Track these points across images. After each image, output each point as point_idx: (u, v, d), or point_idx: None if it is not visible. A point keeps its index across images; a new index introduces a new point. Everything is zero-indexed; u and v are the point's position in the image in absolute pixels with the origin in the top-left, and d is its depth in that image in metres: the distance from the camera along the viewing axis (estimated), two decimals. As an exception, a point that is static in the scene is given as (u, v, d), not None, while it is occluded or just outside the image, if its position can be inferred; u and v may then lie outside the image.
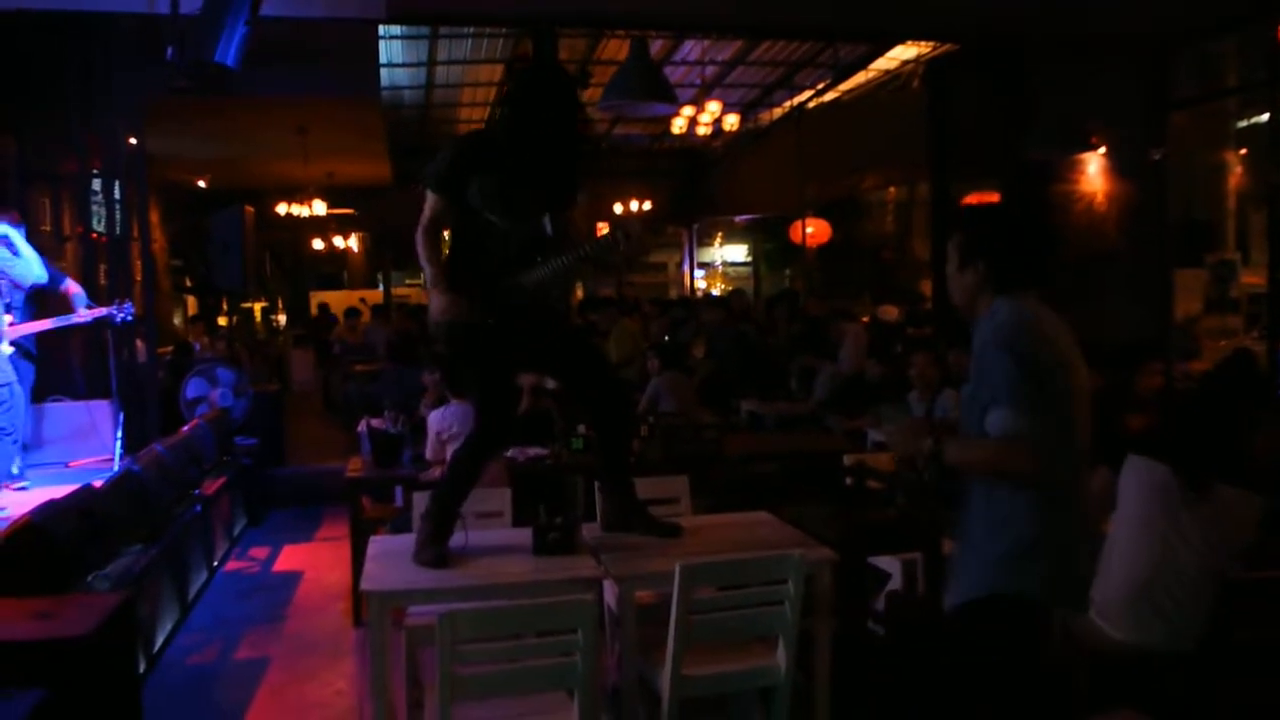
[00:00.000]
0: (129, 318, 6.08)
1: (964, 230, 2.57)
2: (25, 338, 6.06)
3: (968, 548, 2.51)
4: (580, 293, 18.52)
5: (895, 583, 4.17)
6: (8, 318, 5.90)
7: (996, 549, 2.40)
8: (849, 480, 3.94)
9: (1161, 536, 3.02)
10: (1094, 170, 7.93)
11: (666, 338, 8.72)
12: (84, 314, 6.07)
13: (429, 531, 3.28)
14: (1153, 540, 3.03)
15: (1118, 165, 7.71)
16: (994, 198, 9.81)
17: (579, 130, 3.37)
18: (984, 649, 2.40)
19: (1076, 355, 2.45)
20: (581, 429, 5.45)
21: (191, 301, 16.89)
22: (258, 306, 17.73)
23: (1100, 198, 7.93)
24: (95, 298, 6.55)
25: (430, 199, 3.25)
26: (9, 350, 5.86)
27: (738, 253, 20.63)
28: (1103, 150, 7.48)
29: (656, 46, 11.71)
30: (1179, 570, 2.98)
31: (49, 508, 4.16)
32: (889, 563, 4.20)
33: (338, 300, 16.99)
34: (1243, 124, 10.03)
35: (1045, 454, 2.31)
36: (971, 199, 10.18)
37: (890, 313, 11.09)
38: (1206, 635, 2.98)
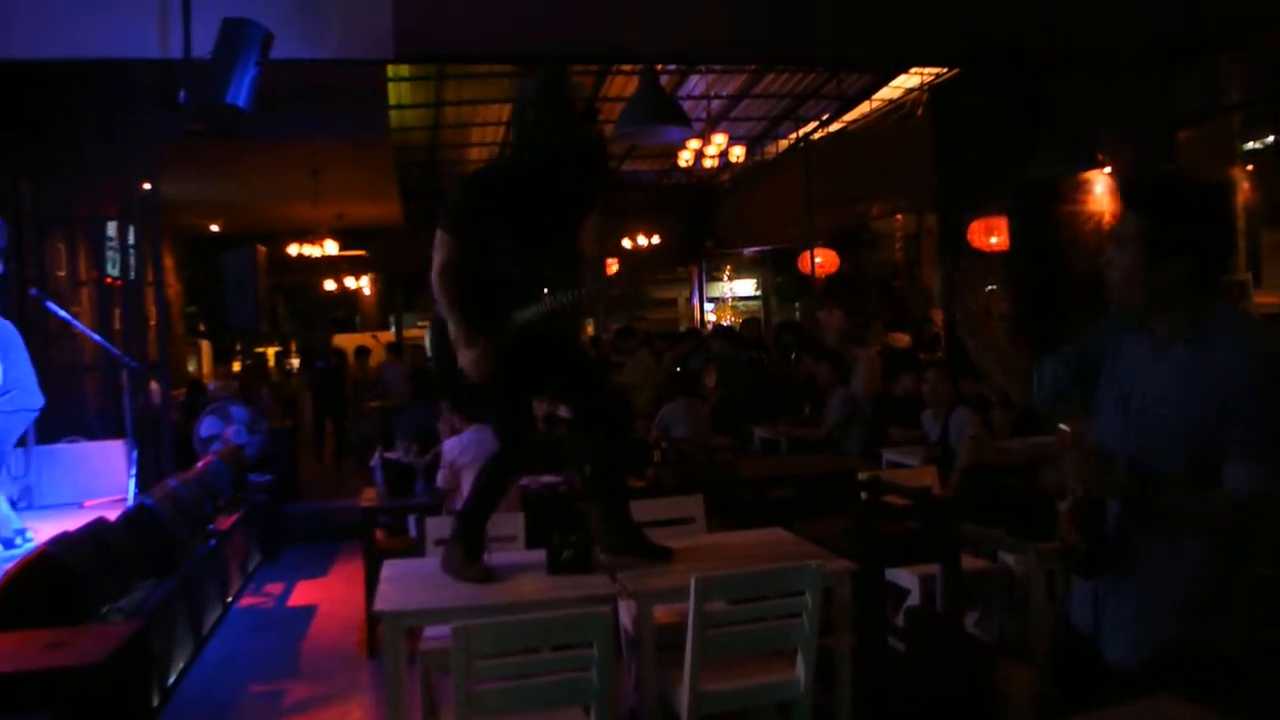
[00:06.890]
0: None
1: (1151, 209, 1.91)
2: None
3: (1138, 591, 2.00)
4: (590, 330, 18.58)
5: (914, 599, 4.12)
6: None
7: (1184, 593, 1.95)
8: (864, 495, 3.90)
9: None
10: (1101, 190, 7.92)
11: (678, 368, 8.72)
12: None
13: (463, 550, 3.26)
14: None
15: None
16: (1000, 223, 9.80)
17: (590, 154, 3.39)
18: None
19: None
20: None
21: (205, 346, 17.00)
22: (271, 350, 17.82)
23: (1108, 218, 7.91)
24: (111, 342, 6.58)
25: (442, 241, 3.21)
26: None
27: (747, 286, 20.66)
28: (1109, 170, 7.47)
29: (663, 81, 11.84)
30: None
31: (63, 539, 4.15)
32: (907, 579, 4.16)
33: (351, 343, 17.05)
34: (1249, 146, 10.05)
35: None
36: (978, 224, 10.17)
37: (900, 339, 11.08)
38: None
